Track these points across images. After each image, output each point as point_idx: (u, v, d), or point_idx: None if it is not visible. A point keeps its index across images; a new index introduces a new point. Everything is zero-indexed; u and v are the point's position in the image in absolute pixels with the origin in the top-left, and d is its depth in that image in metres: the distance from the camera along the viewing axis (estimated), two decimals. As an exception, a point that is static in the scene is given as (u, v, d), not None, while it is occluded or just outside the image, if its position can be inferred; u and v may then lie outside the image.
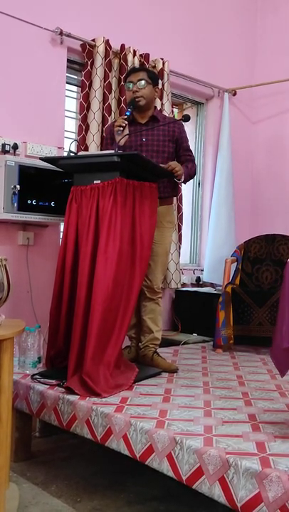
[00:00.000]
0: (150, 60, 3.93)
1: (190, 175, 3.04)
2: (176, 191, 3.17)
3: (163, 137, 3.00)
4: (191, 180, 3.49)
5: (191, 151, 3.13)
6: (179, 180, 2.95)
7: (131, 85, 2.97)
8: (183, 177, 2.94)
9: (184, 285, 4.41)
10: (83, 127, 3.57)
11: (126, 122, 2.86)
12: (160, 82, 3.92)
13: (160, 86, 3.88)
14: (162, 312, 3.17)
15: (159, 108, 3.91)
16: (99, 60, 3.55)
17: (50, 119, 3.43)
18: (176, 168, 2.86)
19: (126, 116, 2.88)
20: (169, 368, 2.95)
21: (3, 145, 3.15)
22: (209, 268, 4.49)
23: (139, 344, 3.10)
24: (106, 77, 3.61)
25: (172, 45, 4.16)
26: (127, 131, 2.88)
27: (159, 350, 3.13)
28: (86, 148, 3.53)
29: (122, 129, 2.85)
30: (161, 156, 2.95)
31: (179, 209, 4.22)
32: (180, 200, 4.23)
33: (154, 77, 3.07)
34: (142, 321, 3.08)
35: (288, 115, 4.68)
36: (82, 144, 3.54)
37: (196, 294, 4.23)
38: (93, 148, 3.51)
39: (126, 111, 2.93)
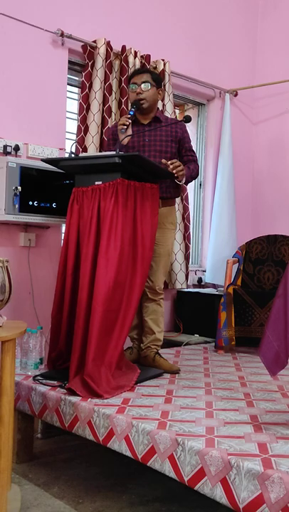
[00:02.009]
0: (151, 61, 3.94)
1: (192, 176, 3.04)
2: (178, 192, 3.17)
3: (166, 137, 3.00)
4: (193, 182, 3.49)
5: (193, 151, 3.13)
6: (180, 181, 2.94)
7: (135, 87, 2.97)
8: (184, 179, 2.94)
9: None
10: (82, 128, 3.57)
11: (130, 121, 2.87)
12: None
13: (163, 88, 3.90)
14: (164, 313, 3.16)
15: (160, 109, 3.92)
16: (100, 62, 3.56)
17: (51, 120, 3.43)
18: (180, 167, 2.85)
19: (130, 116, 2.88)
20: (170, 369, 2.95)
21: (5, 146, 3.15)
22: (211, 269, 4.49)
23: (141, 345, 3.10)
24: (106, 78, 3.62)
25: (173, 46, 4.16)
26: (130, 131, 2.88)
27: (161, 350, 3.13)
28: (85, 150, 3.53)
29: (125, 127, 2.85)
30: (164, 156, 2.95)
31: (186, 209, 4.22)
32: (186, 200, 4.23)
33: (158, 79, 3.08)
34: (144, 321, 3.08)
35: (289, 116, 4.69)
36: (81, 145, 3.54)
37: (198, 295, 4.22)
38: (92, 150, 3.52)
39: (130, 110, 2.93)
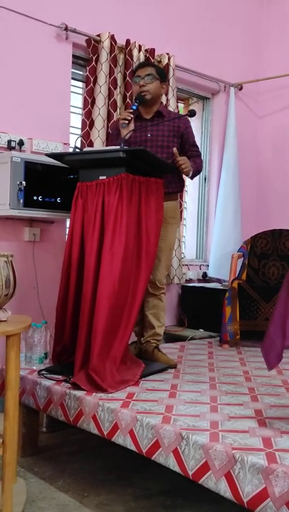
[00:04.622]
0: (156, 54, 3.92)
1: (198, 170, 3.05)
2: (180, 187, 3.17)
3: (168, 132, 3.00)
4: (197, 176, 3.49)
5: (197, 146, 3.12)
6: (187, 175, 2.95)
7: (138, 79, 2.97)
8: (191, 173, 2.94)
9: (190, 280, 4.40)
10: (87, 122, 3.56)
11: (132, 116, 2.86)
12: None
13: (168, 83, 3.88)
14: (166, 308, 3.15)
15: (164, 103, 3.91)
16: (104, 56, 3.54)
17: (55, 115, 3.43)
18: (183, 165, 2.86)
19: (132, 110, 2.88)
20: (168, 363, 2.95)
21: (9, 141, 3.15)
22: (216, 263, 4.48)
23: (141, 339, 3.11)
24: (111, 72, 3.60)
25: (178, 40, 4.14)
26: (132, 126, 2.87)
27: (165, 345, 3.14)
28: (90, 144, 3.52)
29: (127, 122, 2.85)
30: (166, 151, 2.95)
31: (181, 204, 4.21)
32: (181, 196, 4.22)
33: (162, 73, 3.08)
34: (145, 316, 3.08)
35: (295, 109, 4.67)
36: (86, 139, 3.54)
37: (203, 290, 4.22)
38: (98, 144, 3.51)
39: (132, 104, 2.93)
